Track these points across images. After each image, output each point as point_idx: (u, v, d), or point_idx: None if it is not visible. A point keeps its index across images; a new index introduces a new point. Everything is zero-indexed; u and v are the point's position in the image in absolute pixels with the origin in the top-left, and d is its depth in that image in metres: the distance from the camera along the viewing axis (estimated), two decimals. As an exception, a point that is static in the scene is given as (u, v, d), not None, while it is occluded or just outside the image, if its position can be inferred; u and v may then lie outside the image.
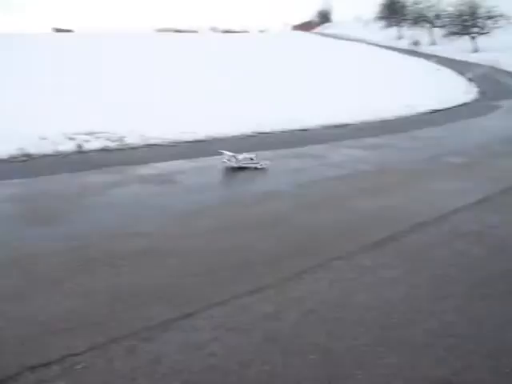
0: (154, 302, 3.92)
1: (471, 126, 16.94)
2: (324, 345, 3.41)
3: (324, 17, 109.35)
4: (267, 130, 13.37)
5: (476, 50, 56.73)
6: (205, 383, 3.01)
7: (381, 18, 77.43)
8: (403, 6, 74.72)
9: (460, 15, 60.27)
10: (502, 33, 55.92)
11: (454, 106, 21.94)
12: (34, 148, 9.47)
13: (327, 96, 20.17)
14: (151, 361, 3.17)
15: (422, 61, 44.91)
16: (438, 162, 10.31)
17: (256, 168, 8.94)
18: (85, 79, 20.49)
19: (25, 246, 5.07)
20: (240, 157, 8.86)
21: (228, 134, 12.36)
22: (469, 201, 7.26)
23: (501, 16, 56.40)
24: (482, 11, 58.69)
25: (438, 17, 66.67)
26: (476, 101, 24.66)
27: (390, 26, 76.49)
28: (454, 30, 60.81)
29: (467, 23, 59.37)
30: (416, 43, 62.69)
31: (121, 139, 10.71)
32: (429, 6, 68.51)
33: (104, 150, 10.18)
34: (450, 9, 62.80)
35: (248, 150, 9.31)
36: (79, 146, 10.02)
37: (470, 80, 31.02)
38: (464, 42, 58.90)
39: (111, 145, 10.43)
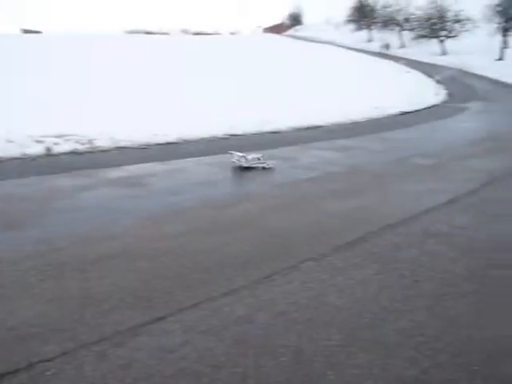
0: (124, 306, 3.88)
1: (440, 128, 17.21)
2: (295, 346, 3.42)
3: (295, 19, 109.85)
4: (239, 132, 13.38)
5: (444, 53, 57.68)
6: (176, 387, 2.99)
7: (351, 20, 78.22)
8: (373, 10, 75.58)
9: (429, 19, 61.17)
10: (468, 36, 56.94)
11: (424, 108, 22.26)
12: (0, 151, 9.30)
13: (299, 98, 20.28)
14: (122, 366, 3.14)
15: (392, 63, 45.49)
16: (408, 164, 10.44)
17: (264, 168, 9.17)
18: (53, 81, 20.22)
19: (-8, 250, 4.98)
20: (249, 157, 9.11)
21: (200, 137, 12.33)
22: (438, 202, 7.37)
23: (467, 20, 57.42)
24: (449, 15, 59.66)
25: (407, 20, 67.54)
26: (444, 103, 25.06)
27: (360, 28, 77.32)
28: (423, 33, 61.67)
29: (435, 26, 60.28)
30: (387, 46, 63.40)
31: (90, 142, 10.59)
32: (398, 10, 69.42)
33: (73, 152, 10.04)
34: (419, 12, 63.68)
35: (218, 153, 9.32)
36: (48, 149, 9.87)
37: (439, 82, 31.52)
38: (432, 44, 59.79)
39: (81, 148, 10.30)
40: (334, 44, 66.47)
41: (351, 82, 28.12)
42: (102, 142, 10.67)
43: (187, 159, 9.73)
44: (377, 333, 3.64)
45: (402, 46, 67.58)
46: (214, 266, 4.70)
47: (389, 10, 71.14)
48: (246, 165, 9.03)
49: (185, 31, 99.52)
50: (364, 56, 52.56)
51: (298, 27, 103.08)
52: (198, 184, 8.02)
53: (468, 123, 18.48)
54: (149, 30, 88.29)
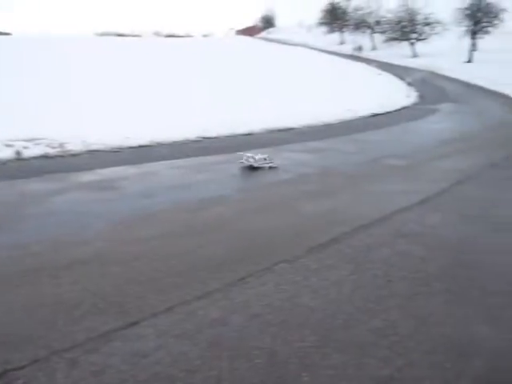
0: (97, 311, 3.83)
1: (412, 129, 17.41)
2: (270, 348, 3.42)
3: (268, 22, 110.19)
4: (213, 134, 13.33)
5: (415, 56, 58.41)
6: (150, 392, 2.97)
7: (323, 23, 78.73)
8: (344, 12, 76.25)
9: (399, 21, 61.96)
10: (438, 39, 57.81)
11: (395, 110, 22.49)
12: (-31, 156, 9.13)
13: (272, 100, 20.32)
14: (95, 372, 3.10)
15: (364, 65, 45.88)
16: (380, 165, 10.54)
17: (270, 167, 9.52)
18: (22, 84, 19.89)
19: (-40, 257, 4.88)
20: (257, 157, 9.47)
21: (172, 139, 12.25)
22: (410, 202, 7.45)
23: (437, 23, 58.30)
24: (419, 18, 60.49)
25: (378, 23, 68.31)
26: (416, 104, 25.36)
27: (332, 31, 77.86)
28: (394, 35, 62.42)
29: (406, 29, 61.08)
30: (360, 48, 63.98)
31: (61, 145, 10.44)
32: (369, 13, 70.19)
33: (44, 156, 9.89)
34: (390, 15, 64.46)
35: (191, 155, 9.31)
36: (18, 153, 9.70)
37: (410, 84, 31.86)
38: (403, 47, 60.55)
39: (52, 151, 10.15)
40: (307, 46, 66.79)
41: (324, 85, 28.29)
42: (74, 146, 10.53)
43: (160, 162, 9.67)
44: (351, 333, 3.67)
45: (374, 48, 68.30)
46: (187, 269, 4.68)
47: (360, 12, 71.91)
48: (255, 165, 9.40)
49: (157, 33, 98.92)
50: (336, 58, 52.92)
51: (270, 30, 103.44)
52: (171, 187, 7.97)
53: (439, 124, 18.73)
54: (120, 32, 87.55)
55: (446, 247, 5.62)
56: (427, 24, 59.68)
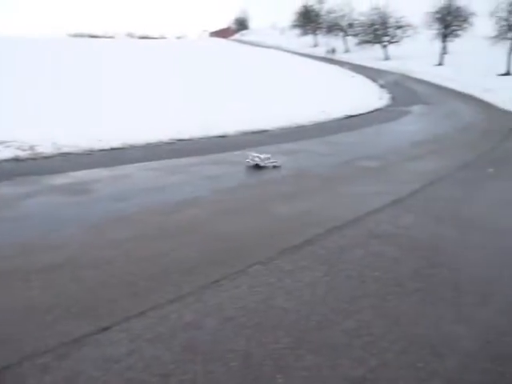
0: (69, 316, 3.78)
1: (384, 131, 17.57)
2: (244, 350, 3.41)
3: (241, 24, 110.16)
4: (186, 136, 13.26)
5: (387, 58, 58.99)
6: (123, 398, 2.94)
7: (296, 25, 78.95)
8: (318, 15, 76.57)
9: (371, 24, 62.44)
10: (410, 42, 58.48)
11: (368, 112, 22.66)
12: None
13: (246, 102, 20.30)
14: (67, 378, 3.06)
15: (337, 68, 46.18)
16: (354, 166, 10.62)
17: (274, 166, 9.89)
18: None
19: None
20: (262, 156, 9.84)
21: (145, 142, 12.15)
22: (383, 203, 7.52)
23: (408, 26, 58.98)
24: (391, 21, 61.10)
25: (351, 26, 68.73)
26: (388, 106, 25.60)
27: (305, 33, 78.12)
28: (367, 38, 62.88)
29: (378, 32, 61.58)
30: (333, 50, 64.37)
31: (32, 148, 10.27)
32: (342, 16, 70.57)
33: (15, 159, 9.71)
34: (362, 18, 64.91)
35: (165, 158, 9.29)
36: (-13, 156, 9.53)
37: (382, 86, 32.14)
38: (376, 49, 61.09)
39: (22, 154, 9.97)
40: (280, 49, 66.99)
41: (297, 87, 28.39)
42: (44, 148, 10.36)
43: (133, 164, 9.58)
44: (325, 334, 3.68)
45: (347, 50, 68.76)
46: (160, 272, 4.64)
47: (333, 15, 72.22)
48: (261, 164, 9.77)
49: (130, 35, 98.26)
50: (310, 61, 53.15)
51: (244, 32, 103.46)
52: (145, 189, 7.91)
53: (411, 126, 18.94)
54: (94, 33, 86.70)
55: (418, 247, 5.68)
56: (399, 27, 60.28)
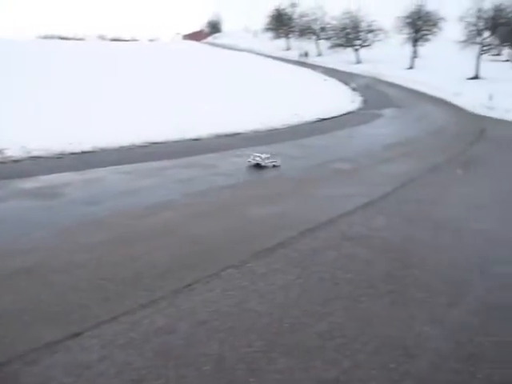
0: (39, 322, 3.72)
1: (357, 134, 17.71)
2: (217, 354, 3.40)
3: (214, 27, 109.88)
4: (160, 139, 13.18)
5: (359, 62, 59.52)
6: (94, 404, 2.90)
7: (269, 29, 79.15)
8: (290, 18, 76.91)
9: (343, 28, 62.98)
10: (381, 45, 59.16)
11: (341, 115, 22.80)
12: None
13: (219, 105, 20.26)
14: (37, 385, 3.01)
15: (310, 71, 46.39)
16: (326, 169, 10.68)
17: (274, 165, 10.30)
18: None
19: None
20: (263, 156, 10.24)
21: (118, 145, 12.03)
22: (355, 205, 7.57)
23: (380, 30, 59.66)
24: (363, 25, 61.73)
25: (323, 29, 69.23)
26: (360, 109, 25.80)
27: (278, 37, 78.36)
28: (339, 42, 63.40)
29: (350, 36, 62.14)
30: (306, 54, 64.65)
31: (1, 152, 10.08)
32: (314, 19, 71.02)
33: (-17, 163, 9.54)
34: (334, 22, 65.46)
35: (137, 161, 9.22)
36: (-46, 160, 9.32)
37: (355, 90, 32.43)
38: (348, 53, 61.61)
39: (-10, 158, 9.80)
40: (253, 52, 66.97)
41: (271, 90, 28.43)
42: (13, 152, 10.18)
43: (105, 168, 9.48)
44: (298, 337, 3.69)
45: (319, 54, 69.17)
46: (132, 276, 4.60)
47: (306, 19, 72.64)
48: (263, 163, 10.15)
49: (102, 37, 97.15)
50: (283, 64, 53.25)
51: (217, 35, 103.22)
52: (117, 193, 7.83)
53: (383, 129, 19.12)
54: (64, 35, 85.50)
55: (390, 249, 5.74)
56: (370, 31, 60.93)
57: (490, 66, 44.37)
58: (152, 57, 43.96)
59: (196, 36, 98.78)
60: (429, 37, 55.66)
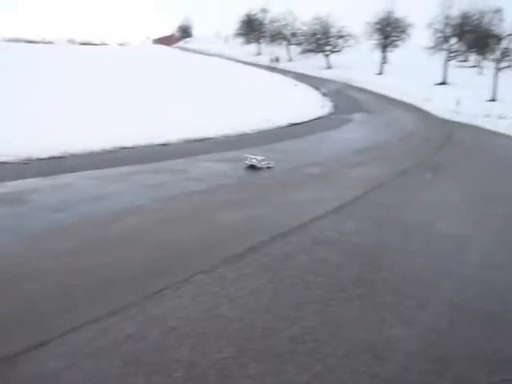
0: (4, 330, 3.64)
1: (327, 139, 17.81)
2: (188, 361, 3.37)
3: (185, 32, 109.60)
4: (129, 144, 13.04)
5: (329, 67, 60.04)
6: (60, 415, 2.83)
7: (240, 34, 79.36)
8: (261, 24, 77.26)
9: (314, 34, 63.51)
10: (351, 51, 59.83)
11: (311, 120, 22.91)
12: None
13: (189, 110, 20.18)
14: (0, 396, 2.93)
15: (281, 76, 46.60)
16: (297, 174, 10.72)
17: (268, 167, 10.78)
18: None
19: None
20: (259, 158, 10.81)
21: (87, 150, 11.86)
22: (326, 210, 7.61)
23: (350, 35, 60.33)
24: (333, 31, 62.32)
25: (294, 35, 69.71)
26: (331, 114, 25.99)
27: (249, 42, 78.61)
28: (309, 47, 63.87)
29: (321, 41, 62.69)
30: (277, 59, 64.93)
31: (-35, 157, 9.87)
32: (285, 25, 71.49)
33: None
34: (305, 28, 65.98)
35: (108, 166, 9.11)
36: None
37: (325, 95, 32.66)
38: (319, 59, 62.09)
39: (-45, 163, 9.56)
40: (224, 57, 67.04)
41: (241, 95, 28.45)
42: (-22, 157, 9.96)
43: (74, 173, 9.32)
44: (269, 341, 3.67)
45: (290, 59, 69.56)
46: (100, 283, 4.52)
47: (276, 24, 73.08)
48: (258, 165, 10.66)
49: (71, 41, 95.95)
50: (254, 69, 53.41)
51: (187, 39, 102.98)
52: (85, 199, 7.70)
53: (353, 134, 19.29)
54: (31, 38, 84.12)
55: (360, 253, 5.77)
56: (340, 37, 61.57)
57: (458, 72, 45.37)
58: (122, 61, 43.66)
59: (167, 40, 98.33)
60: (398, 43, 56.62)
